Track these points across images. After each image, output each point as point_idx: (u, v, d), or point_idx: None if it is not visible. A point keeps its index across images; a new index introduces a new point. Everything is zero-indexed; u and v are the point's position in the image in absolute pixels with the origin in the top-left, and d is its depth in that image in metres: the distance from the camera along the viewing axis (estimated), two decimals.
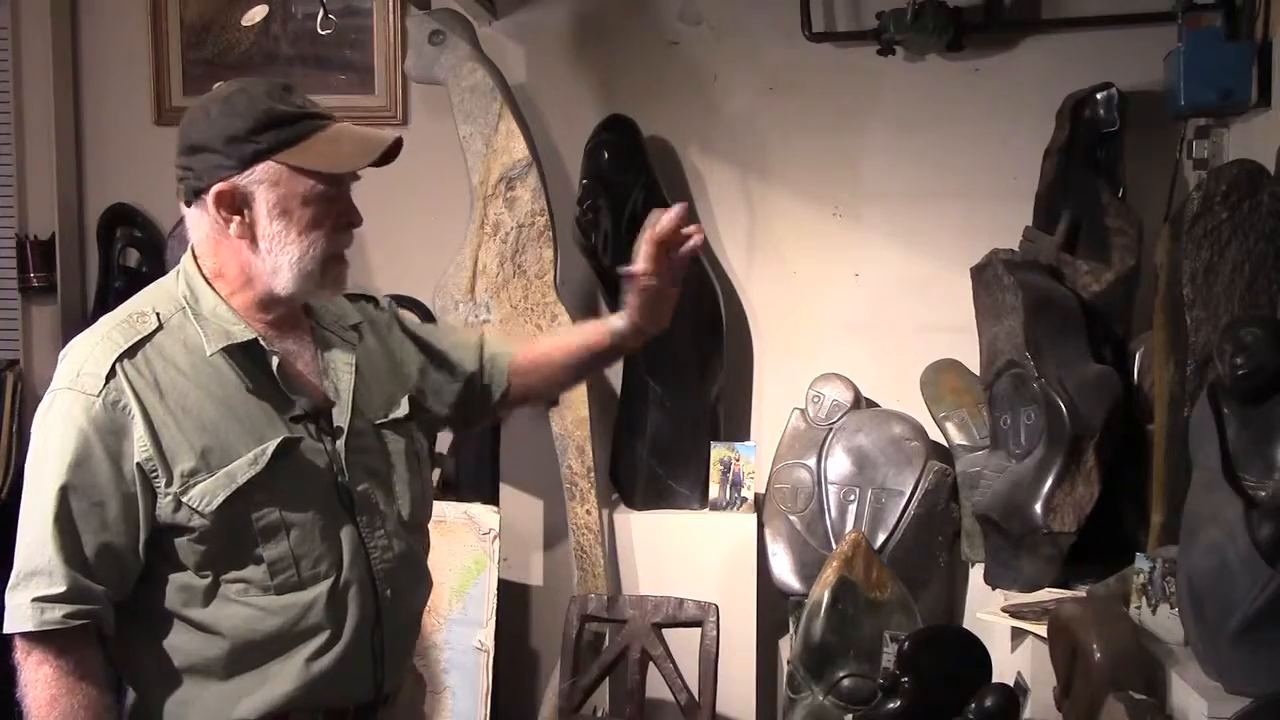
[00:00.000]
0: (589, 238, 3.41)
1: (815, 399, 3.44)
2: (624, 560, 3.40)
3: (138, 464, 1.66)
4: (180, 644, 1.72)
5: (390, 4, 3.67)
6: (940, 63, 3.52)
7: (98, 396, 1.66)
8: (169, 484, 1.68)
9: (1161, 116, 3.26)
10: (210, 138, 1.71)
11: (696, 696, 3.10)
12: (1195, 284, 2.61)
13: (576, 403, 3.32)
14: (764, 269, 3.64)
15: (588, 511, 3.35)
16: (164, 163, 3.68)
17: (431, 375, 2.01)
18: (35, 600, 1.63)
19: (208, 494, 1.68)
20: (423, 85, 3.53)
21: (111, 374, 1.67)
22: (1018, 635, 2.67)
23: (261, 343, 1.75)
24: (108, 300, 3.71)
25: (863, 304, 3.59)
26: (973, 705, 2.33)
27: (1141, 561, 2.45)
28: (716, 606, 3.15)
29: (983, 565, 2.98)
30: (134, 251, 3.74)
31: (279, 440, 1.72)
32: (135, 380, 1.68)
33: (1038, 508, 2.79)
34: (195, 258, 1.78)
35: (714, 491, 3.43)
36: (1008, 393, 2.99)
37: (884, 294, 3.58)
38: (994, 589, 2.87)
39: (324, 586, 1.74)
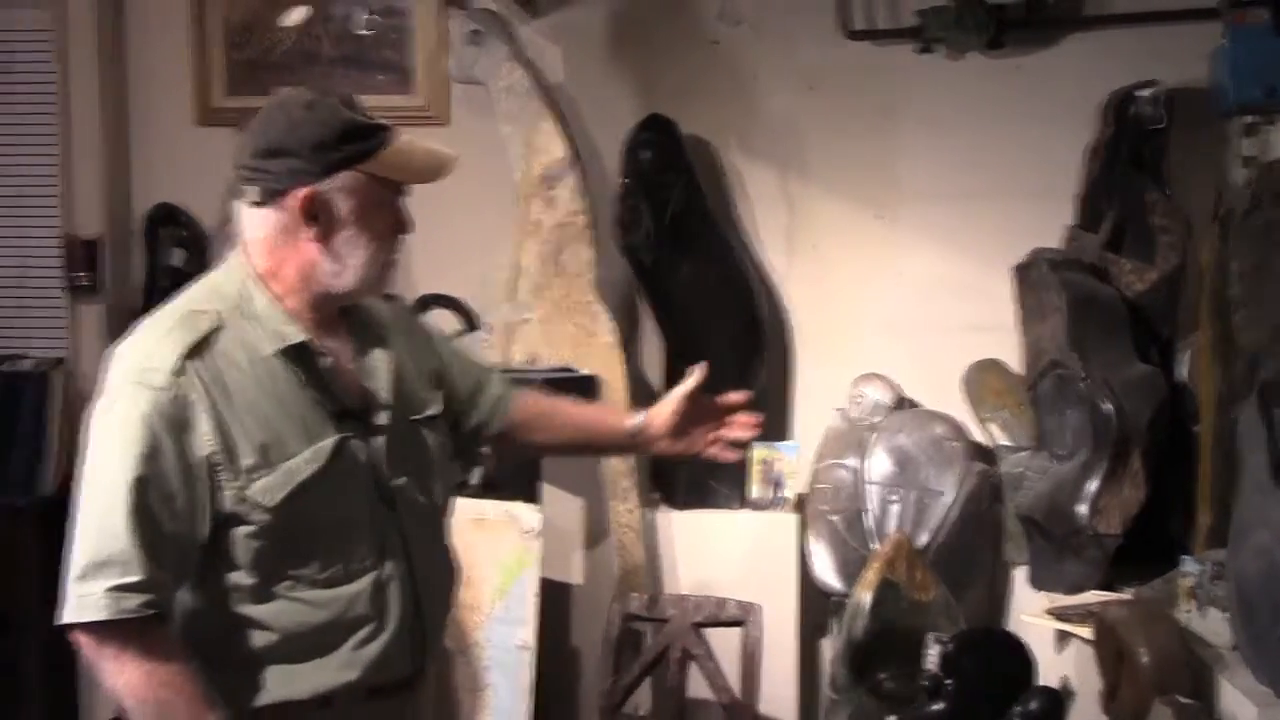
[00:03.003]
0: (629, 237, 3.42)
1: (856, 399, 3.43)
2: (665, 559, 3.40)
3: (204, 457, 1.70)
4: (234, 634, 1.77)
5: (430, 4, 3.68)
6: (981, 61, 3.49)
7: (165, 391, 1.69)
8: (233, 478, 1.72)
9: (1207, 114, 3.23)
10: (293, 143, 1.74)
11: (738, 696, 3.10)
12: (1244, 283, 2.58)
13: (617, 401, 3.33)
14: (804, 268, 3.63)
15: (629, 510, 3.36)
16: (208, 163, 3.77)
17: (444, 382, 2.04)
18: (110, 590, 1.64)
19: (269, 489, 1.73)
20: (462, 85, 3.54)
21: (178, 370, 1.70)
22: (1062, 638, 2.66)
23: (313, 344, 1.79)
24: (153, 299, 3.73)
25: (904, 303, 3.57)
26: (1016, 708, 2.32)
27: (1189, 564, 2.43)
28: (758, 606, 3.15)
29: (1026, 567, 2.96)
30: (178, 251, 3.77)
31: (335, 439, 1.77)
32: (201, 376, 1.71)
33: (1082, 509, 2.77)
34: (247, 255, 1.81)
35: (755, 491, 3.43)
36: (1051, 393, 2.97)
37: (925, 293, 3.56)
38: (1038, 591, 2.86)
39: (368, 579, 1.80)
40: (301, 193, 1.74)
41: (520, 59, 3.36)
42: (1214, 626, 2.32)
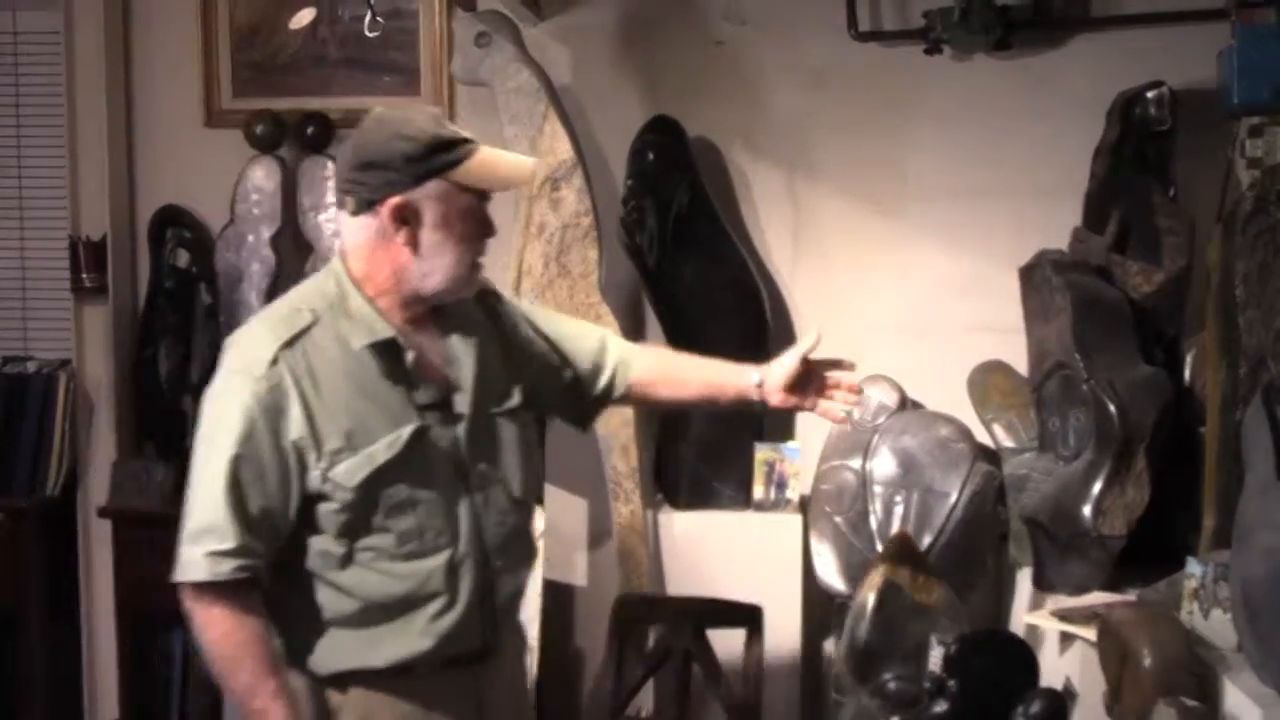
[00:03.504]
0: (634, 238, 3.42)
1: (861, 400, 3.41)
2: (668, 560, 3.40)
3: (293, 440, 1.91)
4: (318, 600, 1.97)
5: (436, 6, 3.69)
6: (988, 62, 3.49)
7: (262, 380, 1.90)
8: (319, 460, 1.92)
9: (1214, 115, 3.21)
10: (387, 156, 1.94)
11: (741, 698, 3.09)
12: (1248, 285, 2.57)
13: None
14: (809, 269, 3.62)
15: (632, 511, 3.36)
16: (213, 165, 3.78)
17: (550, 369, 2.24)
18: (209, 554, 1.88)
19: (351, 471, 1.93)
20: (468, 87, 3.54)
21: (274, 361, 1.91)
22: (1066, 639, 2.64)
23: (399, 340, 1.99)
24: (158, 301, 3.76)
25: (909, 304, 3.57)
26: (1020, 710, 2.31)
27: (1193, 566, 2.42)
28: (761, 608, 3.14)
29: (1030, 568, 2.95)
30: (184, 252, 3.78)
31: (413, 427, 1.97)
32: (294, 367, 1.92)
33: (1087, 511, 2.76)
34: (344, 260, 2.03)
35: (758, 492, 3.42)
36: (1056, 394, 2.96)
37: (930, 294, 3.55)
38: (1041, 593, 2.84)
39: (444, 556, 1.99)
40: (393, 201, 1.94)
41: (526, 61, 3.36)
42: (1218, 628, 2.31)
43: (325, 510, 1.95)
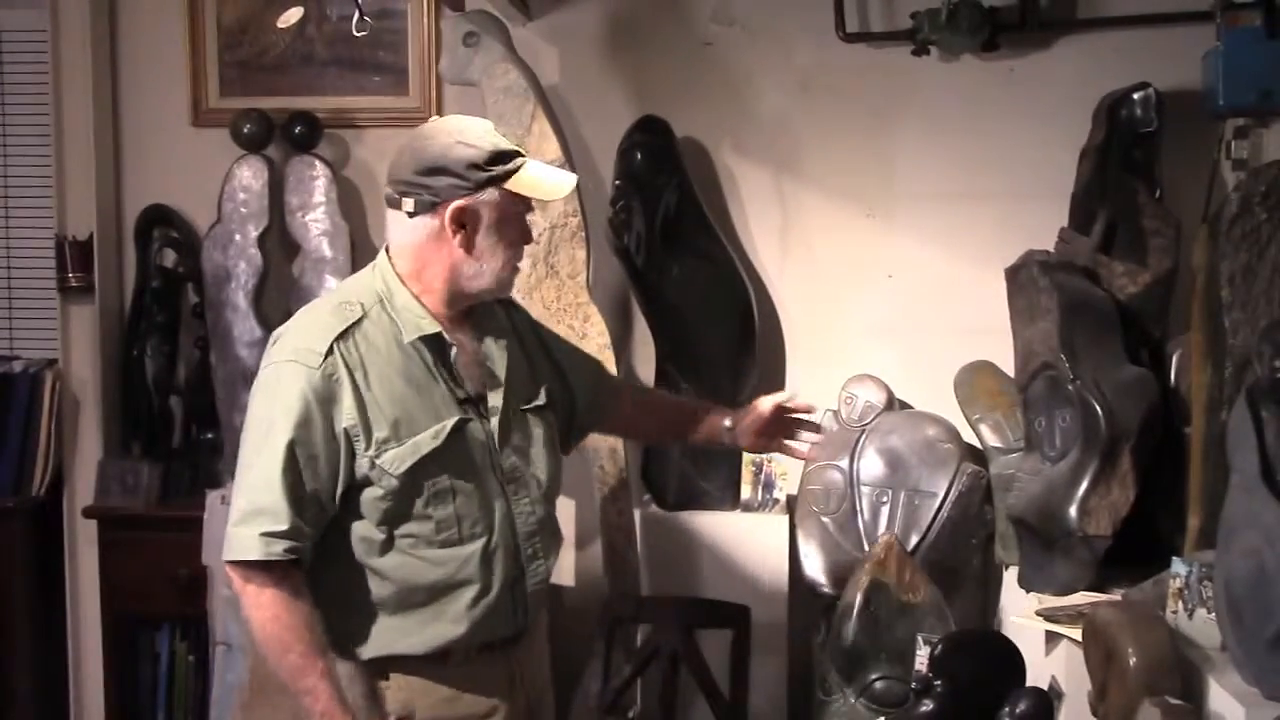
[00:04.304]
0: (621, 239, 3.42)
1: (848, 400, 3.43)
2: (656, 561, 3.40)
3: (344, 428, 2.01)
4: (357, 585, 2.06)
5: (425, 6, 3.68)
6: (975, 63, 3.50)
7: (317, 369, 2.00)
8: (368, 447, 2.02)
9: (1199, 117, 3.23)
10: (452, 162, 2.06)
11: (728, 697, 3.09)
12: (1234, 286, 2.58)
13: None
14: (796, 270, 3.63)
15: (619, 512, 3.36)
16: (201, 164, 3.77)
17: (554, 386, 2.34)
18: (262, 535, 1.95)
19: (397, 459, 2.03)
20: (457, 86, 3.54)
21: (329, 352, 2.01)
22: (1052, 639, 2.65)
23: (445, 336, 2.11)
24: (144, 300, 3.75)
25: (896, 305, 3.58)
26: (1006, 709, 2.31)
27: (1178, 566, 2.43)
28: (748, 608, 3.14)
29: (1016, 568, 2.96)
30: (170, 252, 3.77)
31: (455, 419, 2.09)
32: (347, 358, 2.02)
33: (1072, 511, 2.77)
34: (390, 258, 2.14)
35: (746, 492, 3.42)
36: (1042, 395, 2.97)
37: (918, 295, 3.56)
38: (1028, 592, 2.85)
39: (479, 544, 2.09)
40: (457, 204, 2.07)
41: (514, 61, 3.36)
42: (1203, 628, 2.32)
43: (369, 497, 2.04)
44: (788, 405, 2.53)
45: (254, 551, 1.96)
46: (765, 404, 2.51)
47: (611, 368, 3.33)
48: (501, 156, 2.09)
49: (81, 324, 3.78)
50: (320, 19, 3.74)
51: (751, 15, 3.59)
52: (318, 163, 3.65)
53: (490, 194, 2.09)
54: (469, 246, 2.10)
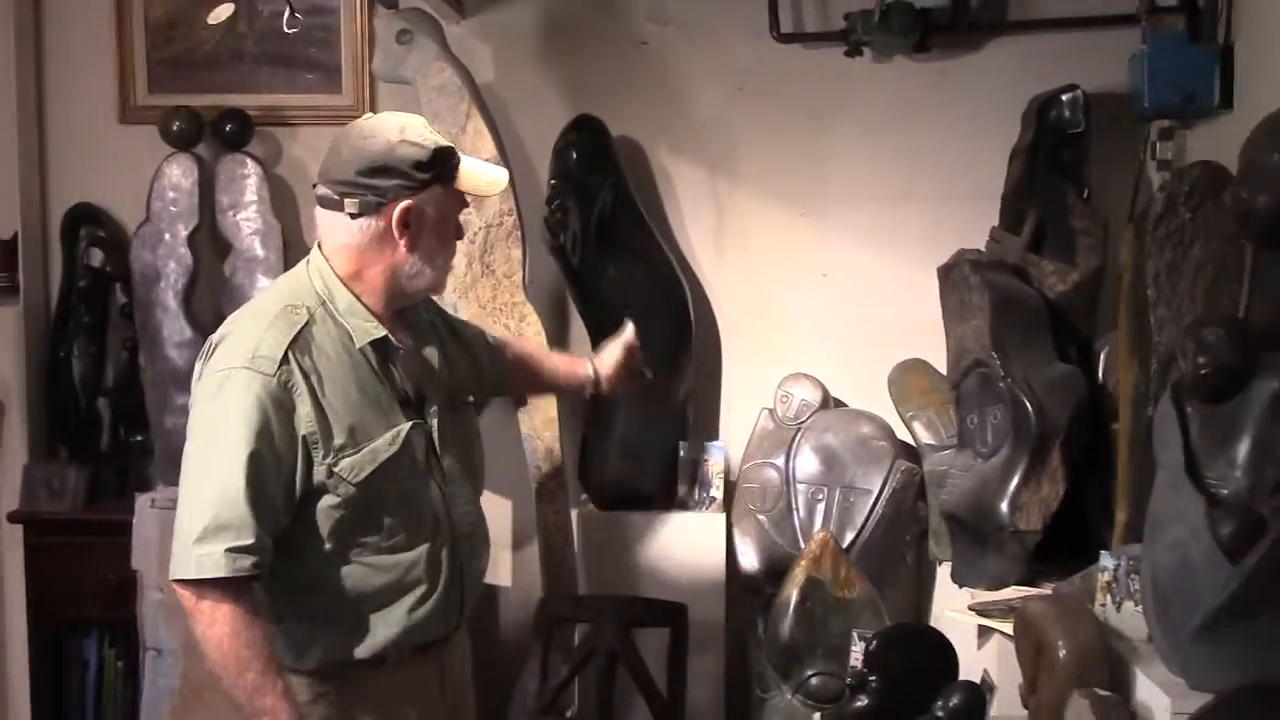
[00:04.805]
0: (557, 238, 3.41)
1: (783, 399, 3.45)
2: (592, 560, 3.40)
3: (303, 436, 1.97)
4: (304, 593, 2.03)
5: (357, 3, 3.65)
6: (907, 64, 3.53)
7: (274, 377, 1.95)
8: (325, 455, 1.99)
9: (1126, 118, 3.28)
10: (396, 161, 2.03)
11: (666, 695, 3.10)
12: (1159, 284, 2.63)
13: (545, 403, 3.31)
14: (732, 269, 3.64)
15: (556, 512, 3.35)
16: (128, 162, 3.71)
17: (470, 366, 2.35)
18: (228, 550, 1.90)
19: (355, 467, 2.01)
20: (390, 84, 3.51)
21: (284, 359, 1.97)
22: (984, 633, 2.68)
23: (392, 339, 2.09)
24: (71, 301, 3.68)
25: (831, 304, 3.60)
26: (939, 703, 2.34)
27: (1106, 559, 2.47)
28: (685, 606, 3.15)
29: (950, 564, 2.99)
30: (97, 251, 3.70)
31: (410, 425, 2.07)
32: (302, 364, 1.98)
33: (1004, 506, 2.80)
34: (327, 258, 2.09)
35: (682, 491, 3.43)
36: (974, 392, 3.00)
37: (852, 294, 3.59)
38: (960, 587, 2.88)
39: (424, 548, 2.08)
40: (404, 204, 2.04)
41: (449, 59, 3.34)
42: (1130, 620, 2.36)
43: (323, 505, 2.01)
44: (632, 342, 2.67)
45: (220, 569, 1.90)
46: (615, 349, 2.65)
47: None
48: (444, 153, 2.08)
49: (5, 325, 3.70)
50: (252, 15, 3.70)
51: (687, 15, 3.60)
52: (249, 161, 3.61)
53: (435, 192, 2.08)
54: (413, 246, 2.08)
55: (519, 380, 2.61)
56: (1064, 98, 3.23)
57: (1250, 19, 3.02)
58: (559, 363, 2.73)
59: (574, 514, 3.40)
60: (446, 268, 2.16)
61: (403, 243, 2.07)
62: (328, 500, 2.01)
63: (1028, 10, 3.50)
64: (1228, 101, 3.08)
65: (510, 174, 3.27)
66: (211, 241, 3.66)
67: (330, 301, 2.07)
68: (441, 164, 2.07)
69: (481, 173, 2.17)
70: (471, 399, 2.31)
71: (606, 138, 3.46)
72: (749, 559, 3.34)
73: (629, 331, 2.68)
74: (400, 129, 2.07)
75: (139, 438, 3.67)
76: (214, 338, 2.06)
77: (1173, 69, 3.08)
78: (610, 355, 2.66)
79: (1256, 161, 2.20)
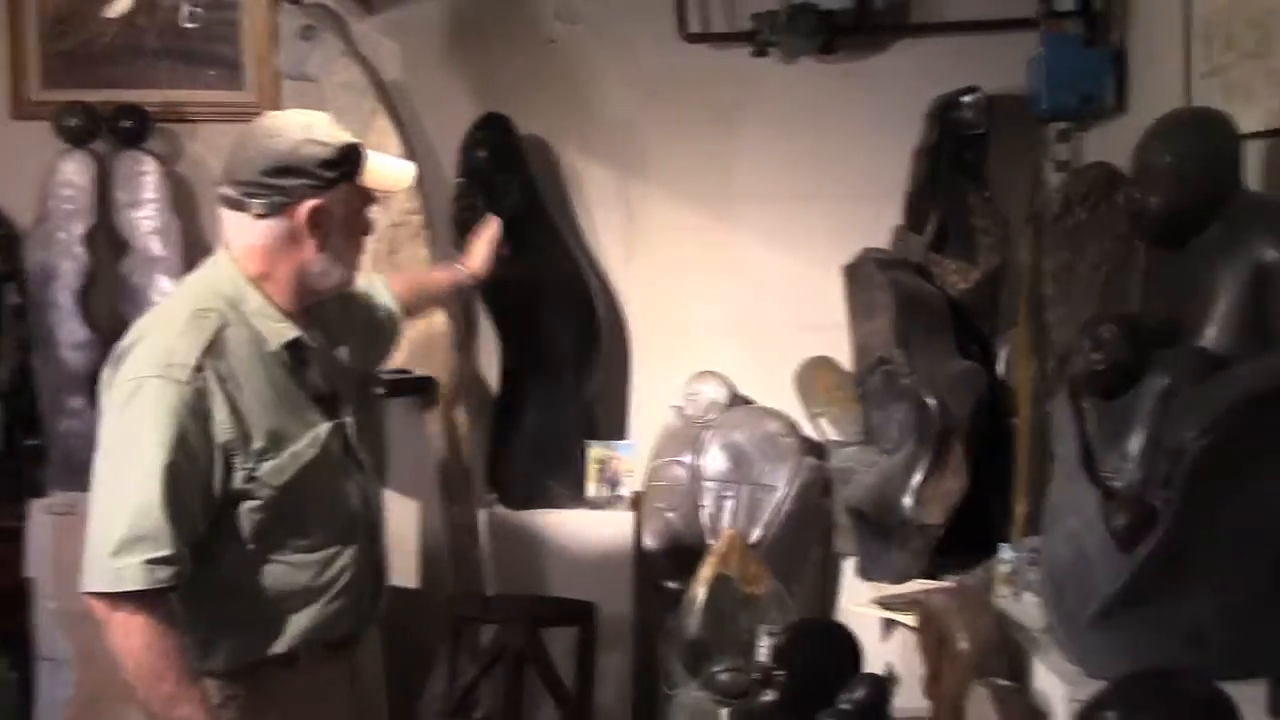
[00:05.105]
0: (464, 237, 3.38)
1: (691, 397, 3.46)
2: (502, 560, 3.38)
3: (221, 444, 1.93)
4: (221, 597, 2.00)
5: None
6: (813, 65, 3.57)
7: (189, 385, 1.91)
8: (245, 460, 1.95)
9: (1025, 119, 3.35)
10: (302, 161, 2.00)
11: (574, 694, 3.09)
12: (1056, 282, 2.68)
13: (453, 403, 3.29)
14: (640, 269, 3.65)
15: (464, 512, 3.33)
16: (21, 158, 3.60)
17: (372, 325, 2.36)
18: (146, 562, 1.86)
19: (277, 470, 1.98)
20: (295, 81, 3.46)
21: (199, 366, 1.92)
22: (888, 626, 2.71)
23: (305, 340, 2.05)
24: None
25: (738, 303, 3.63)
26: (844, 695, 2.36)
27: (1006, 552, 2.51)
28: (594, 604, 3.15)
29: (855, 558, 3.03)
30: None
31: (330, 425, 2.06)
32: (217, 371, 1.94)
33: (907, 501, 2.84)
34: (236, 260, 2.05)
35: (591, 490, 3.43)
36: (878, 389, 3.05)
37: (759, 293, 3.62)
38: (866, 581, 2.92)
39: (342, 545, 2.08)
40: (311, 204, 2.00)
41: (354, 55, 3.30)
42: (1029, 610, 2.40)
43: (244, 509, 1.98)
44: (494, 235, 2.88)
45: (138, 581, 1.86)
46: (482, 246, 2.85)
47: (457, 368, 3.32)
48: (350, 150, 2.05)
49: None
50: (151, 9, 3.62)
51: (595, 13, 3.60)
52: (147, 158, 3.53)
53: (343, 190, 2.04)
54: (323, 245, 2.04)
55: (413, 308, 2.64)
56: (965, 99, 3.28)
57: (1143, 24, 3.10)
58: (438, 278, 2.87)
59: (482, 514, 3.38)
60: (355, 264, 2.13)
61: (312, 243, 2.03)
62: (248, 504, 1.98)
63: (930, 13, 3.56)
64: (1122, 104, 3.16)
65: (418, 171, 3.28)
66: (109, 240, 3.57)
67: (240, 304, 2.02)
68: (348, 162, 2.04)
69: (388, 168, 2.15)
70: (381, 391, 2.30)
71: (514, 136, 3.45)
72: (658, 557, 3.35)
73: (494, 227, 2.89)
74: (305, 127, 2.03)
75: (34, 441, 3.57)
76: (122, 344, 2.01)
77: (1069, 72, 3.15)
78: (478, 252, 2.85)
79: (1148, 163, 2.25)
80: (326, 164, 2.01)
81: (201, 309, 1.99)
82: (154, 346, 1.96)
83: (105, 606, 1.88)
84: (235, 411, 1.94)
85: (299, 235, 2.02)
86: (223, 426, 1.93)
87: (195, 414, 1.91)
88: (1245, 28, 2.60)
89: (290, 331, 2.04)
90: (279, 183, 2.00)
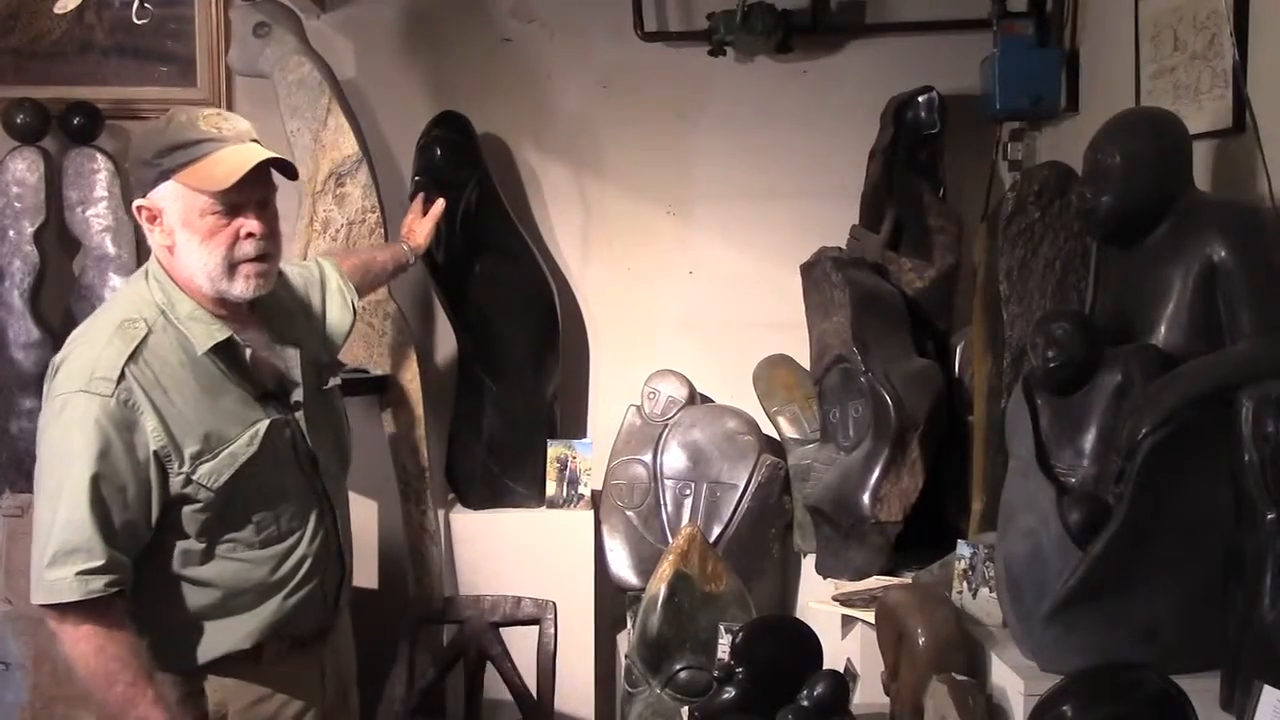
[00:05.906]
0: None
1: (650, 395, 3.47)
2: (461, 560, 3.37)
3: (153, 451, 1.94)
4: (179, 597, 2.02)
5: None
6: (769, 64, 3.58)
7: (111, 397, 1.91)
8: (181, 465, 1.97)
9: (979, 119, 3.38)
10: (134, 159, 2.02)
11: (535, 694, 3.09)
12: (1010, 280, 2.71)
13: (411, 402, 3.28)
14: (599, 267, 3.65)
15: (423, 512, 3.31)
16: None
17: (322, 308, 2.38)
18: (79, 574, 1.88)
19: (214, 472, 1.99)
20: (248, 78, 3.43)
21: (121, 377, 1.92)
22: (847, 623, 2.73)
23: (238, 340, 2.04)
24: None
25: (696, 301, 3.64)
26: (805, 692, 2.37)
27: (963, 548, 2.53)
28: (554, 604, 3.14)
29: (814, 556, 3.04)
30: None
31: (267, 422, 2.05)
32: (142, 380, 1.94)
33: (866, 498, 2.86)
34: (162, 265, 2.05)
35: (551, 489, 3.43)
36: (836, 387, 3.06)
37: (717, 291, 3.63)
38: (825, 578, 2.94)
39: (299, 538, 2.10)
40: (135, 203, 2.02)
41: (308, 53, 3.27)
42: (985, 606, 2.43)
43: (187, 511, 1.99)
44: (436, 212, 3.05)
45: (72, 592, 1.89)
46: (425, 224, 3.05)
47: (415, 367, 3.30)
48: (179, 145, 1.97)
49: None
50: (101, 5, 3.57)
51: (552, 11, 3.59)
52: (99, 155, 3.48)
53: (168, 189, 1.99)
54: (171, 246, 2.02)
55: (362, 287, 2.64)
56: (920, 99, 3.30)
57: (1094, 25, 3.14)
58: (383, 256, 2.89)
59: (441, 514, 3.37)
60: (216, 266, 2.01)
61: (162, 242, 2.02)
62: (190, 507, 2.00)
63: (885, 13, 3.58)
64: (1074, 104, 3.20)
65: (373, 170, 3.27)
66: (60, 239, 3.52)
67: (170, 309, 2.02)
68: (167, 160, 1.98)
69: (222, 164, 1.99)
70: (338, 382, 2.29)
71: (471, 134, 3.43)
72: (618, 555, 3.35)
73: (438, 206, 3.09)
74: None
75: None
76: (55, 359, 2.02)
77: (1022, 73, 3.19)
78: (422, 229, 3.04)
79: (1099, 163, 2.28)
80: (144, 163, 2.00)
81: (128, 319, 1.99)
82: (79, 360, 1.96)
83: (54, 616, 1.92)
84: (164, 418, 1.95)
85: (154, 235, 2.03)
86: (153, 434, 1.94)
87: (121, 425, 1.92)
88: (1193, 29, 2.64)
89: (220, 333, 2.03)
90: (131, 178, 2.05)
